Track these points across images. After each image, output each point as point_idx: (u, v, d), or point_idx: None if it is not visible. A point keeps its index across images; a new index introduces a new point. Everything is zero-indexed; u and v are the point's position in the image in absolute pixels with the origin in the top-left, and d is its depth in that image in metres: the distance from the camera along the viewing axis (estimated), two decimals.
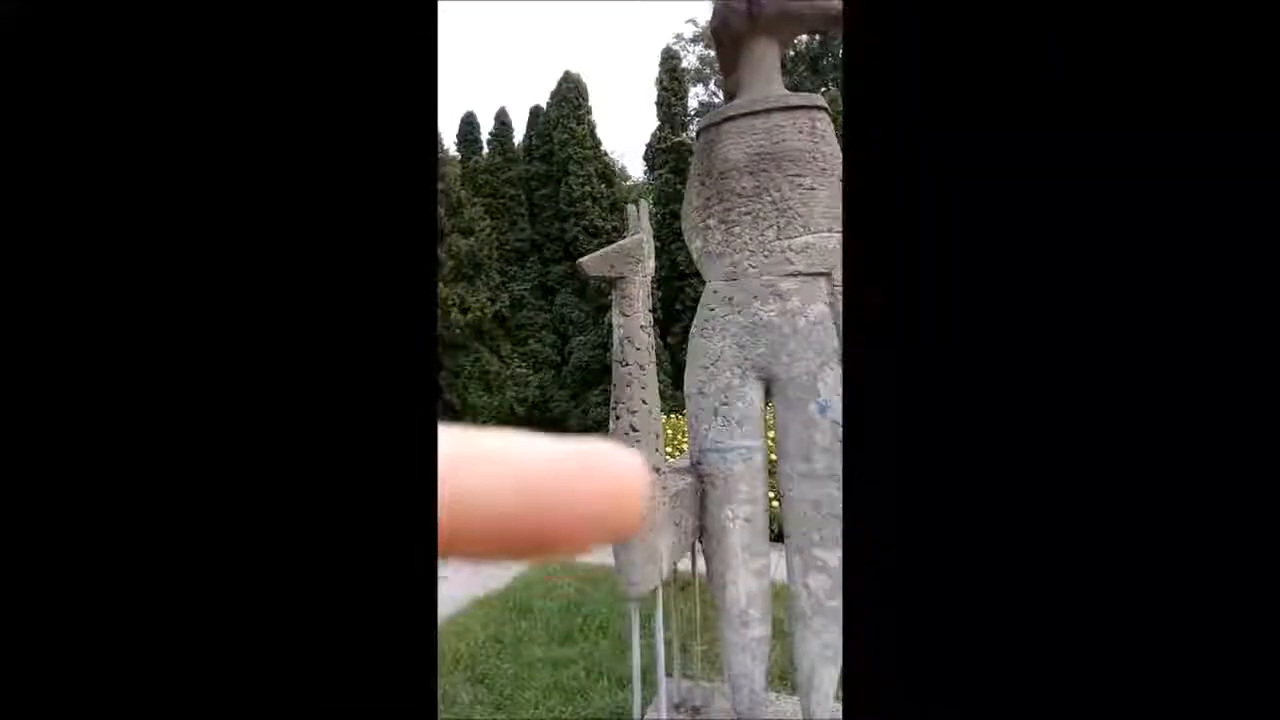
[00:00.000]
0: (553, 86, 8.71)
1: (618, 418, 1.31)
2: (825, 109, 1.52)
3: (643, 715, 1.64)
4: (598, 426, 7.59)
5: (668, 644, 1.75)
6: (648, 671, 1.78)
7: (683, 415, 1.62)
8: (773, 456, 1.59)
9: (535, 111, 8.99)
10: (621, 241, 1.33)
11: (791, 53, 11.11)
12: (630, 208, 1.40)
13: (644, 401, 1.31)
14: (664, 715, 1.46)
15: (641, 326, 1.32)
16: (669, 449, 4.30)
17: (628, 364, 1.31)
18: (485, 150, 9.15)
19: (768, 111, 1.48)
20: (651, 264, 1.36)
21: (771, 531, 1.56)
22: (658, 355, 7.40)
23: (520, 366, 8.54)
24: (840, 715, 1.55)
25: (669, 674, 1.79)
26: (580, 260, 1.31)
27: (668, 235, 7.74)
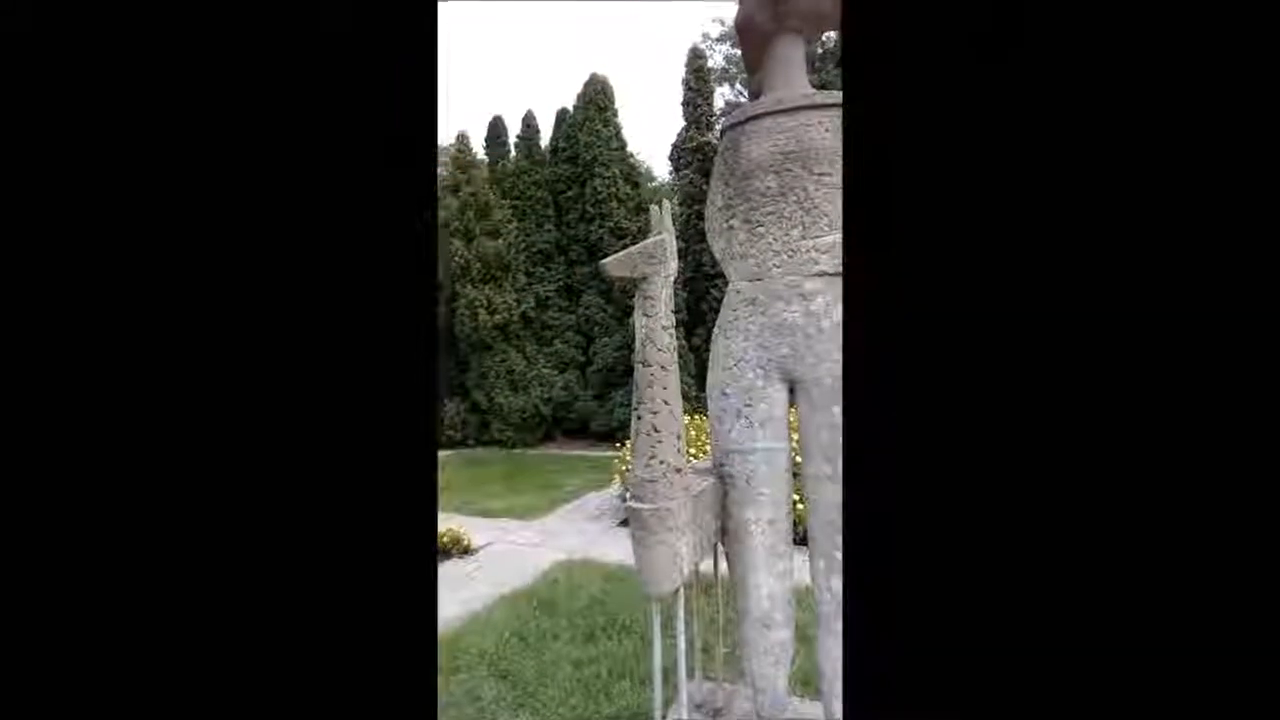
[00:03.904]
0: (579, 89, 8.77)
1: (639, 418, 1.32)
2: None
3: (664, 716, 1.64)
4: (621, 427, 7.60)
5: (689, 645, 1.74)
6: (669, 672, 1.77)
7: (707, 416, 1.62)
8: (797, 459, 1.57)
9: (561, 114, 9.06)
10: (644, 242, 1.33)
11: (819, 50, 10.95)
12: (653, 209, 1.40)
13: (666, 402, 1.31)
14: (685, 716, 1.45)
15: (664, 327, 1.32)
16: (693, 450, 4.28)
17: (650, 365, 1.31)
18: (512, 153, 9.26)
19: (793, 110, 1.47)
20: (674, 265, 1.36)
21: (795, 534, 1.54)
22: (682, 356, 7.31)
23: (545, 367, 8.61)
24: None
25: (690, 675, 1.78)
26: (602, 261, 1.32)
27: (692, 236, 7.71)
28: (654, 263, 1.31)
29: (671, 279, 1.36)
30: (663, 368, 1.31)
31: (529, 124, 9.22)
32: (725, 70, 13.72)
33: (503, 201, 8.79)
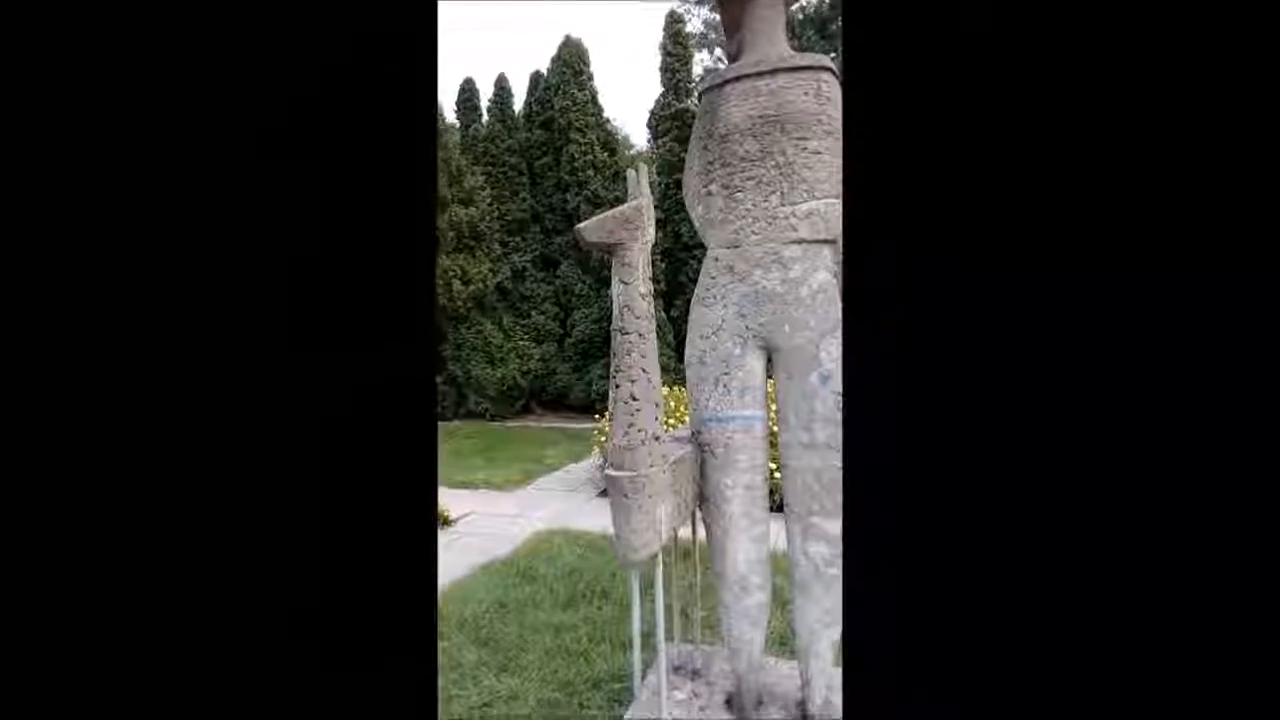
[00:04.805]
0: (553, 52, 8.50)
1: (617, 386, 1.31)
2: (831, 69, 1.47)
3: (643, 677, 1.68)
4: (600, 399, 7.60)
5: (668, 610, 1.78)
6: (648, 636, 1.81)
7: (685, 388, 1.62)
8: (774, 428, 1.59)
9: (535, 77, 8.78)
10: (621, 207, 1.30)
11: (800, 16, 10.75)
12: (630, 173, 1.37)
13: (644, 370, 1.31)
14: (664, 678, 1.49)
15: (641, 294, 1.31)
16: (672, 422, 4.31)
17: (628, 332, 1.30)
18: (485, 118, 8.97)
19: (773, 72, 1.43)
20: (652, 230, 1.33)
21: (771, 502, 1.57)
22: (661, 328, 7.31)
23: (523, 339, 8.53)
24: (838, 681, 1.58)
25: (669, 638, 1.82)
26: (579, 226, 1.29)
27: (671, 206, 7.62)
28: (631, 228, 1.29)
29: (649, 245, 1.33)
30: (640, 335, 1.30)
31: (502, 87, 8.93)
32: (704, 36, 13.42)
33: (475, 168, 8.55)
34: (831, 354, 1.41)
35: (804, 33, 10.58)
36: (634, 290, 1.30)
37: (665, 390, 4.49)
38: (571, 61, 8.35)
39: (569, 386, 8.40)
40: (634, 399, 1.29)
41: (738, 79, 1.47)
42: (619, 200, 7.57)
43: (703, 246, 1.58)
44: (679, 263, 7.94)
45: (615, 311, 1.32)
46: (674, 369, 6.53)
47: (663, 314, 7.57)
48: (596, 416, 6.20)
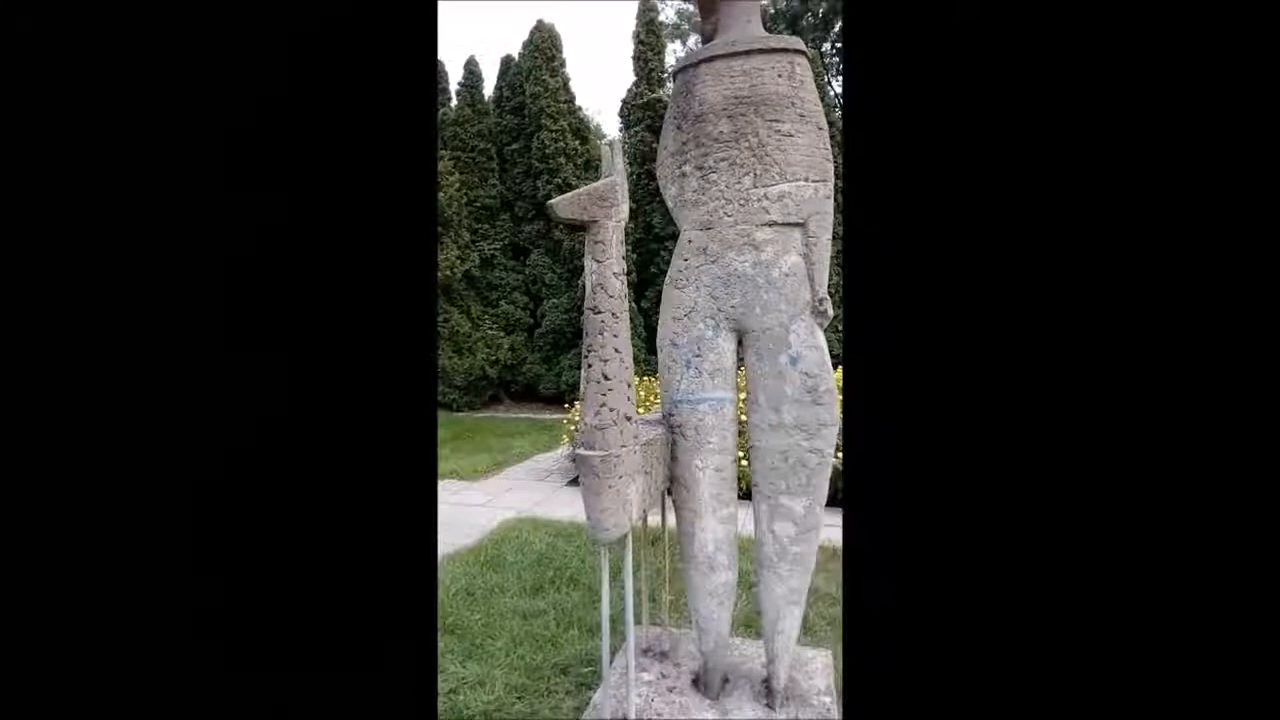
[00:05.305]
0: (525, 36, 8.37)
1: (589, 366, 1.29)
2: (805, 53, 1.47)
3: (611, 661, 1.68)
4: (570, 390, 7.55)
5: (637, 594, 1.78)
6: (617, 620, 1.81)
7: (656, 378, 1.61)
8: (743, 417, 1.60)
9: (506, 62, 8.62)
10: (595, 184, 1.29)
11: (772, 10, 10.82)
12: (604, 148, 1.35)
13: (617, 350, 1.29)
14: (632, 660, 1.49)
15: (615, 274, 1.29)
16: (642, 411, 4.31)
17: (601, 312, 1.29)
18: (454, 101, 8.76)
19: (747, 53, 1.43)
20: (626, 208, 1.32)
21: (739, 489, 1.58)
22: (631, 319, 7.36)
23: (491, 328, 8.41)
24: (802, 659, 1.61)
25: (638, 621, 1.83)
26: (551, 202, 1.27)
27: (643, 196, 7.59)
28: (605, 205, 1.27)
29: (623, 223, 1.32)
30: (614, 315, 1.29)
31: (471, 71, 8.74)
32: (677, 26, 13.39)
33: (443, 153, 8.36)
34: (801, 336, 1.42)
35: (776, 27, 10.66)
36: (607, 269, 1.28)
37: (636, 380, 4.49)
38: (544, 47, 8.22)
39: (538, 377, 8.32)
40: (606, 378, 1.28)
41: (712, 59, 1.47)
42: None
43: (674, 238, 1.58)
44: (650, 254, 7.93)
45: (587, 291, 1.30)
46: (645, 360, 6.52)
47: (633, 305, 7.55)
48: (566, 407, 6.16)
